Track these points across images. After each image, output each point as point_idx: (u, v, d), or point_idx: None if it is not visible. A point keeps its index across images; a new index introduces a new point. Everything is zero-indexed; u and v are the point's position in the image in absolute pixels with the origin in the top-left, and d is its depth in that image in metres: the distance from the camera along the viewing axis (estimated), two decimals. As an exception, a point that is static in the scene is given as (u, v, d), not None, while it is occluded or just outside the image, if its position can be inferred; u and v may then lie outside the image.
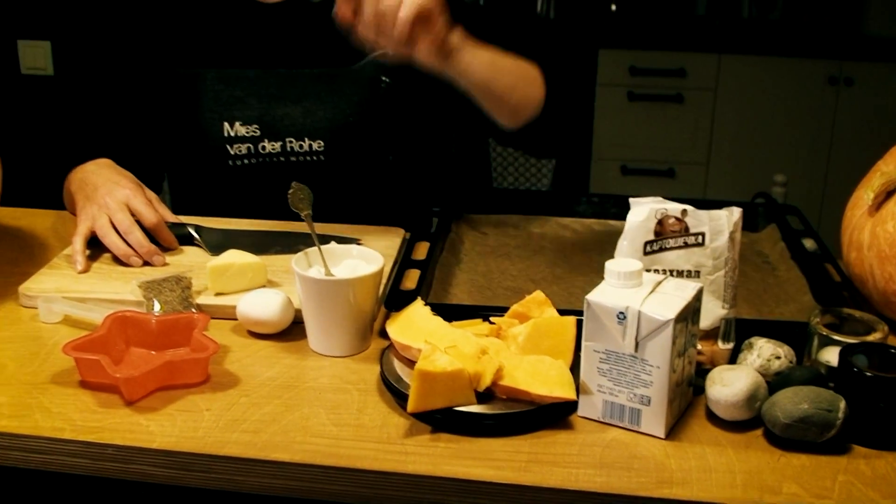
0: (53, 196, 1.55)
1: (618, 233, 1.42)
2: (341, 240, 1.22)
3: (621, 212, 1.46)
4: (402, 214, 1.59)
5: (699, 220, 1.04)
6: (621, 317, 0.94)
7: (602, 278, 1.29)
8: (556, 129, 1.48)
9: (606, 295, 0.96)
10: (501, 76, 1.35)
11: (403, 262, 1.27)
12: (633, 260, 1.00)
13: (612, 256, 1.35)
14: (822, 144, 3.35)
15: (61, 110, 2.76)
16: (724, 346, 1.06)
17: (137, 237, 1.30)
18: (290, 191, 1.13)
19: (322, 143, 1.49)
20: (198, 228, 1.37)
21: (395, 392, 1.01)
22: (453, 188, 1.54)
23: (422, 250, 1.31)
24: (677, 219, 1.05)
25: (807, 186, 3.34)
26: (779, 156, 3.36)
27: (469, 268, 1.32)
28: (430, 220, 1.42)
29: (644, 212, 1.05)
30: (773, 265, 1.36)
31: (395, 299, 1.14)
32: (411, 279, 1.23)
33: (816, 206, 3.32)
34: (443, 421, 0.97)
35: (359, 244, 1.21)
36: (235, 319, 1.17)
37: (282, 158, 1.50)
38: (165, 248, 1.34)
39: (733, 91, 3.34)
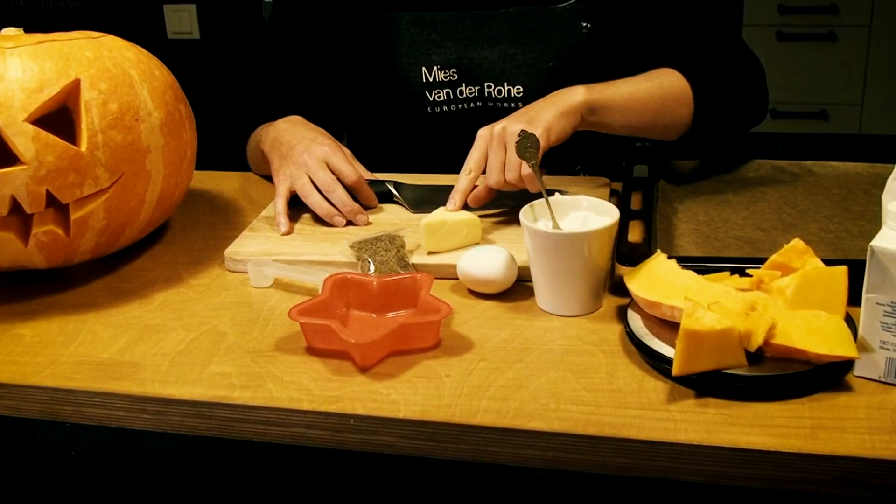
0: (232, 156, 1.50)
1: (842, 175, 1.33)
2: (553, 192, 1.13)
3: (840, 152, 1.36)
4: (591, 164, 1.51)
5: None
6: (914, 265, 0.84)
7: (839, 224, 1.20)
8: (727, 119, 1.39)
9: (894, 241, 0.86)
10: (642, 115, 1.29)
11: (623, 212, 1.17)
12: (920, 200, 0.89)
13: (841, 200, 1.26)
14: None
15: (231, 72, 2.74)
16: None
17: (340, 196, 1.23)
18: (519, 138, 1.05)
19: (521, 89, 1.41)
20: (397, 185, 1.30)
21: (648, 353, 0.92)
22: (607, 146, 1.44)
23: (636, 200, 1.22)
24: (956, 154, 0.94)
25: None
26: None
27: (688, 217, 1.22)
28: (631, 167, 1.33)
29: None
30: None
31: (629, 254, 1.05)
32: (634, 231, 1.14)
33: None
34: (708, 384, 0.88)
35: (567, 195, 1.13)
36: (453, 279, 1.10)
37: (479, 104, 1.43)
38: (366, 207, 1.27)
39: (889, 27, 3.14)
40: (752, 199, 1.27)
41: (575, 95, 1.22)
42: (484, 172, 1.19)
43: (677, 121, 1.33)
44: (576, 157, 1.50)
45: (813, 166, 1.35)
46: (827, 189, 1.29)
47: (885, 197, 0.96)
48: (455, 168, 1.34)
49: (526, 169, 1.13)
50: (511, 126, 1.16)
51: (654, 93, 1.30)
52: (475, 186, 1.20)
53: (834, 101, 3.26)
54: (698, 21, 1.41)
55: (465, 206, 1.19)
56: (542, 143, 1.13)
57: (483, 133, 1.19)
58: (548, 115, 1.17)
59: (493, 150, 1.17)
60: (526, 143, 1.06)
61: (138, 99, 1.12)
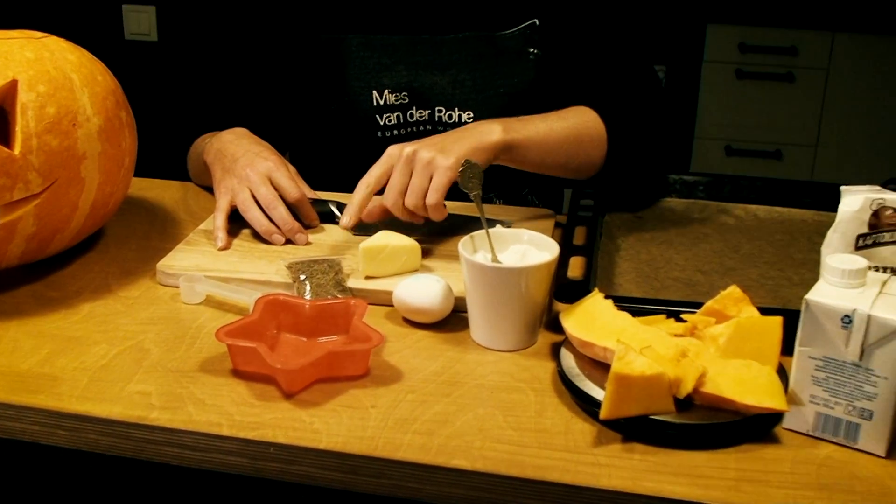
0: (174, 164, 1.48)
1: (787, 220, 1.33)
2: (494, 223, 1.12)
3: (786, 198, 1.37)
4: (539, 188, 1.50)
5: (922, 212, 0.93)
6: (846, 321, 0.84)
7: (780, 271, 1.20)
8: (639, 161, 1.39)
9: (829, 295, 0.85)
10: (556, 154, 1.28)
11: (564, 248, 1.16)
12: (857, 256, 0.88)
13: (783, 247, 1.26)
14: (939, 128, 3.19)
15: (177, 75, 2.70)
16: (939, 354, 0.95)
17: (281, 213, 1.21)
18: (462, 168, 1.04)
19: (472, 115, 1.40)
20: (339, 206, 1.28)
21: (578, 394, 0.91)
22: None
23: (580, 236, 1.21)
24: (895, 210, 0.94)
25: (924, 173, 3.18)
26: (893, 140, 3.20)
27: (631, 255, 1.22)
28: (556, 197, 1.33)
29: (858, 201, 0.94)
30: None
31: (567, 290, 1.04)
32: (575, 268, 1.13)
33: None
34: (636, 429, 0.87)
35: (508, 227, 1.12)
36: (388, 305, 1.08)
37: (429, 127, 1.42)
38: (307, 226, 1.25)
39: (846, 71, 3.19)
40: (696, 241, 1.27)
41: (492, 133, 1.19)
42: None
43: (589, 161, 1.32)
44: (524, 180, 1.49)
45: (758, 210, 1.35)
46: (771, 234, 1.29)
47: (824, 249, 0.96)
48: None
49: (432, 198, 1.12)
50: (422, 152, 1.14)
51: (569, 133, 1.28)
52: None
53: (789, 141, 3.30)
54: (614, 56, 1.42)
55: (360, 224, 1.19)
56: (450, 175, 1.12)
57: (392, 152, 1.16)
58: (461, 148, 1.15)
59: (398, 171, 1.15)
60: (469, 172, 1.05)
61: (77, 104, 1.09)
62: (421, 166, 1.13)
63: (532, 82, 1.42)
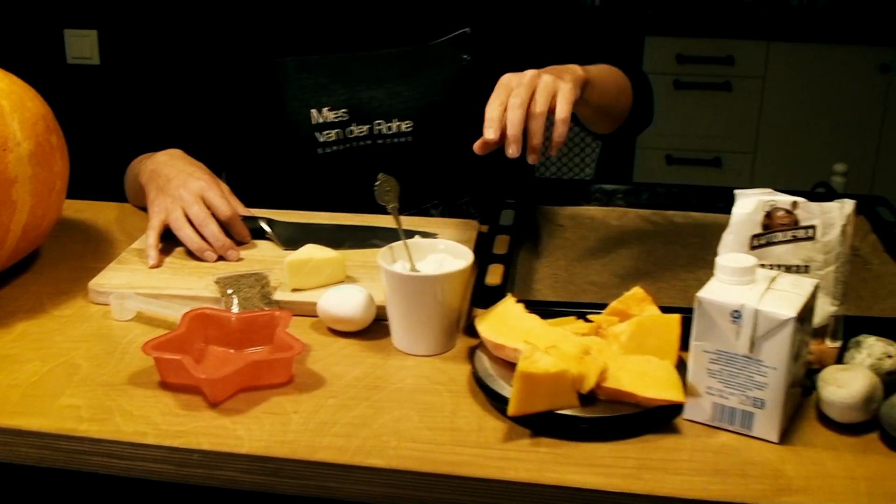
0: (112, 186, 1.51)
1: (701, 225, 1.39)
2: (413, 234, 1.17)
3: (701, 203, 1.43)
4: (479, 196, 1.55)
5: (810, 212, 0.99)
6: (736, 315, 0.89)
7: (691, 273, 1.25)
8: (642, 119, 1.52)
9: (719, 292, 0.91)
10: (608, 96, 1.38)
11: (484, 256, 1.21)
12: (746, 255, 0.94)
13: (697, 250, 1.32)
14: (872, 134, 3.28)
15: (117, 98, 2.73)
16: (832, 345, 1.01)
17: (213, 231, 1.25)
18: (378, 182, 1.09)
19: (411, 123, 1.47)
20: (270, 222, 1.33)
21: (490, 394, 0.96)
22: (495, 177, 1.49)
23: (502, 244, 1.26)
24: (787, 211, 0.99)
25: (855, 176, 3.27)
26: (828, 145, 3.29)
27: (550, 262, 1.27)
28: (496, 206, 1.38)
29: (751, 204, 1.00)
30: (865, 258, 1.30)
31: (483, 296, 1.09)
32: (494, 274, 1.18)
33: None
34: (543, 425, 0.92)
35: (434, 238, 1.17)
36: (314, 316, 1.12)
37: (369, 142, 1.47)
38: (239, 243, 1.29)
39: (782, 79, 3.27)
40: (613, 247, 1.32)
41: (576, 70, 1.24)
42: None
43: (623, 109, 1.45)
44: (463, 190, 1.54)
45: (674, 216, 1.41)
46: (685, 238, 1.35)
47: (720, 249, 1.01)
48: (344, 207, 1.39)
49: (563, 111, 1.12)
50: (542, 76, 1.15)
51: (617, 78, 1.41)
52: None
53: (728, 148, 3.38)
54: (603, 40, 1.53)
55: (290, 239, 1.26)
56: (576, 93, 1.16)
57: (507, 80, 1.16)
58: (572, 77, 1.18)
59: (521, 90, 1.13)
60: (385, 186, 1.09)
61: (7, 129, 1.12)
62: (543, 86, 1.13)
63: (467, 87, 1.47)
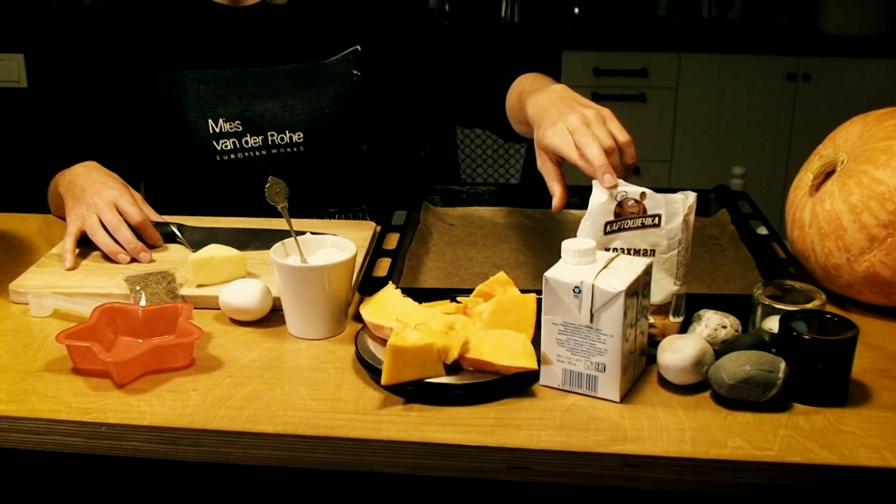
0: (37, 200, 1.61)
1: (577, 221, 1.52)
2: (304, 233, 1.29)
3: (583, 202, 1.55)
4: (376, 204, 1.68)
5: (656, 202, 1.12)
6: (577, 291, 1.02)
7: (562, 260, 1.38)
8: None
9: (563, 272, 1.04)
10: None
11: (375, 251, 1.34)
12: (587, 239, 1.07)
13: (574, 242, 1.45)
14: (781, 138, 3.44)
15: (42, 119, 2.81)
16: (674, 320, 1.14)
17: (126, 234, 1.36)
18: (267, 185, 1.20)
19: (302, 135, 1.59)
20: (180, 227, 1.44)
21: (369, 368, 1.08)
22: (424, 183, 1.62)
23: (392, 241, 1.38)
24: (636, 201, 1.12)
25: (768, 179, 3.43)
26: (740, 150, 3.45)
27: (437, 256, 1.39)
28: (392, 213, 1.51)
29: (606, 194, 1.13)
30: (724, 246, 1.44)
31: (368, 285, 1.21)
32: (383, 267, 1.30)
33: (778, 197, 3.40)
34: (414, 393, 1.04)
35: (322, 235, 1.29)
36: (218, 309, 1.24)
37: (264, 152, 1.59)
38: (151, 247, 1.40)
39: (694, 89, 3.43)
40: (497, 241, 1.45)
41: (567, 88, 1.32)
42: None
43: None
44: (360, 198, 1.67)
45: (559, 213, 1.54)
46: (564, 233, 1.47)
47: (578, 234, 1.14)
48: (243, 211, 1.50)
49: (625, 136, 1.19)
50: (585, 112, 1.22)
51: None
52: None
53: (645, 157, 3.51)
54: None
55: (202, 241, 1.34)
56: (618, 120, 1.22)
57: (567, 125, 1.21)
58: (588, 102, 1.26)
59: (589, 132, 1.19)
60: (275, 188, 1.21)
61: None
62: (595, 121, 1.21)
63: (356, 101, 1.62)
